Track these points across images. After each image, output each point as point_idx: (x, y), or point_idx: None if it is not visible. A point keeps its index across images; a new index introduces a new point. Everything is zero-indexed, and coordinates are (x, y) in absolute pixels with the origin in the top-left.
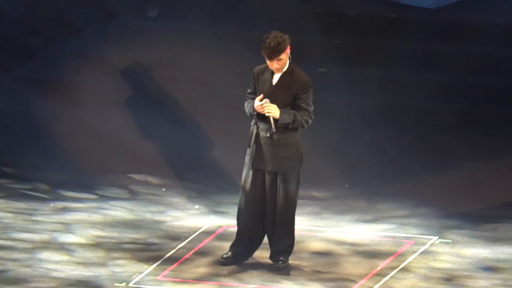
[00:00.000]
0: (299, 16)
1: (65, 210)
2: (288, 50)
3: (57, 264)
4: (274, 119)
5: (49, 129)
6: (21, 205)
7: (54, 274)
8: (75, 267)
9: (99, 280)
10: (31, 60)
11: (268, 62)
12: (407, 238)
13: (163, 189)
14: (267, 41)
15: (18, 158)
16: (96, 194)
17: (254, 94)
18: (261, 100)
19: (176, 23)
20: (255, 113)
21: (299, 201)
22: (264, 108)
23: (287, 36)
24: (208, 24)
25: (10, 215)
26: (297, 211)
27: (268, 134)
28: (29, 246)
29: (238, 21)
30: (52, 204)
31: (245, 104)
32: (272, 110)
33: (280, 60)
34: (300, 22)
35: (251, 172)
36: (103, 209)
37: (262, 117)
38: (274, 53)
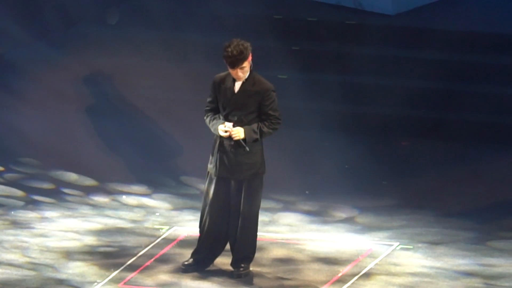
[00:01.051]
0: (259, 23)
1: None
2: (250, 58)
3: (17, 270)
4: (242, 139)
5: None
6: None
7: (14, 278)
8: (35, 273)
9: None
10: None
11: (230, 70)
12: (368, 244)
13: (124, 196)
14: (229, 49)
15: None
16: (56, 198)
17: (214, 103)
18: (224, 127)
19: (136, 30)
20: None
21: (266, 208)
22: (232, 135)
23: (249, 44)
24: (169, 30)
25: None
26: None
27: (232, 143)
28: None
29: (198, 27)
30: (12, 212)
31: (206, 118)
32: (238, 134)
33: (242, 68)
34: (260, 29)
35: (214, 179)
36: (66, 216)
37: (228, 138)
38: (237, 62)
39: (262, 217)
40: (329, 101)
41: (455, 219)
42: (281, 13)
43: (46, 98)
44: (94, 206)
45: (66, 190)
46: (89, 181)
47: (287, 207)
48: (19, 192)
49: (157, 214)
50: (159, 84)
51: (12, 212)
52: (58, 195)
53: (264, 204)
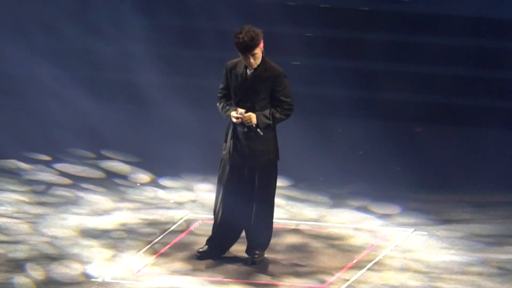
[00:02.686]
0: (272, 10)
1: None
2: (261, 44)
3: (37, 259)
4: (255, 125)
5: None
6: None
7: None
8: (50, 261)
9: (76, 277)
10: None
11: (242, 57)
12: (382, 230)
13: (138, 184)
14: (240, 36)
15: None
16: (77, 186)
17: (226, 89)
18: (237, 113)
19: (147, 16)
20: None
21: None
22: (244, 122)
23: (260, 30)
24: (180, 17)
25: None
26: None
27: (245, 129)
28: None
29: (210, 14)
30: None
31: (218, 104)
32: (250, 120)
33: (254, 55)
34: (273, 15)
35: (228, 166)
36: (80, 201)
37: (240, 124)
38: (248, 48)
39: (279, 204)
40: (342, 87)
41: (470, 205)
42: None
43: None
44: (110, 192)
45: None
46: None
47: (301, 194)
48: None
49: (172, 201)
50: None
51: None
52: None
53: (279, 191)
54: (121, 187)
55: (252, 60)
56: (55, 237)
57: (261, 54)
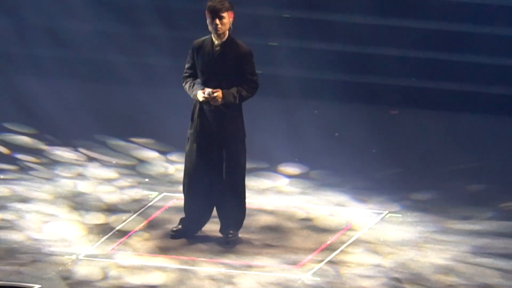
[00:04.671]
0: None
1: (18, 180)
2: (231, 15)
3: (8, 241)
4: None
5: None
6: None
7: (3, 246)
8: (25, 239)
9: (49, 254)
10: None
11: (209, 22)
12: (357, 212)
13: (114, 162)
14: (211, 1)
15: None
16: (43, 165)
17: (193, 68)
18: (203, 92)
19: None
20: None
21: (247, 175)
22: (210, 101)
23: (233, 4)
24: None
25: None
26: (246, 184)
27: (212, 107)
28: None
29: None
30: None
31: (185, 84)
32: (217, 99)
33: (222, 19)
34: None
35: (195, 145)
36: (51, 181)
37: (207, 102)
38: (218, 10)
39: (251, 184)
40: (318, 69)
41: (444, 188)
42: None
43: None
44: (83, 172)
45: (22, 156)
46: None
47: (277, 175)
48: None
49: (147, 180)
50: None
51: None
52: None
53: (252, 171)
54: (96, 164)
55: (219, 25)
56: (28, 212)
57: (228, 25)
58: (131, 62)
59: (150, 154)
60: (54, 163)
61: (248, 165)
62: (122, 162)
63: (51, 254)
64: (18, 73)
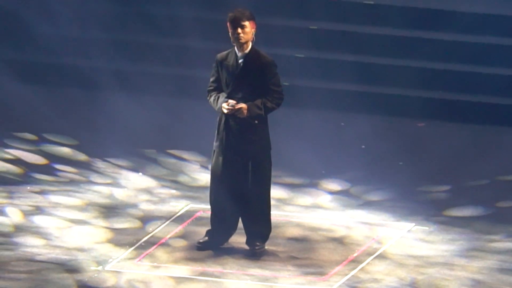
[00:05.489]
0: (277, 2)
1: (42, 193)
2: (253, 25)
3: (34, 248)
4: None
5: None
6: None
7: (32, 257)
8: (51, 250)
9: (75, 264)
10: None
11: (231, 32)
12: (383, 224)
13: (140, 174)
14: (232, 12)
15: None
16: (70, 178)
17: (217, 82)
18: (228, 105)
19: (147, 6)
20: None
21: (273, 187)
22: (235, 113)
23: (253, 15)
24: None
25: None
26: (272, 196)
27: (236, 120)
28: (6, 229)
29: (211, 5)
30: (28, 187)
31: (209, 97)
32: (243, 112)
33: (243, 27)
34: (277, 7)
35: (220, 158)
36: (79, 193)
37: (232, 115)
38: (238, 19)
39: (278, 196)
40: (345, 81)
41: (471, 201)
42: None
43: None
44: (110, 183)
45: (61, 167)
46: (85, 157)
47: (304, 187)
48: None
49: (173, 191)
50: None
51: (17, 194)
52: (53, 171)
53: (280, 184)
54: (121, 175)
55: (241, 34)
56: (55, 223)
57: (251, 35)
58: (167, 74)
59: (180, 165)
60: (90, 172)
61: (280, 179)
62: (152, 172)
63: (77, 264)
64: (66, 85)
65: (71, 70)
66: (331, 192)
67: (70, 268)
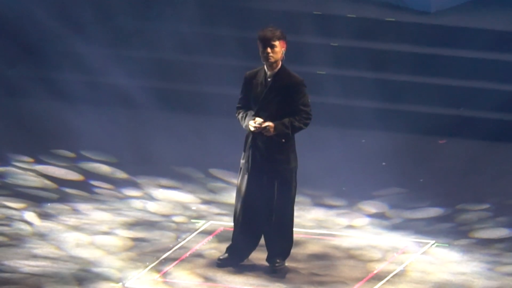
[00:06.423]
0: (298, 19)
1: (60, 207)
2: (283, 44)
3: (52, 261)
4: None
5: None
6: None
7: (49, 270)
8: (71, 265)
9: (94, 280)
10: None
11: (261, 51)
12: (403, 241)
13: (160, 189)
14: (262, 30)
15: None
16: (87, 190)
17: (246, 99)
18: (255, 122)
19: (173, 24)
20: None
21: (296, 203)
22: (263, 131)
23: (284, 34)
24: (206, 25)
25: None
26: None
27: (264, 138)
28: (29, 237)
29: (236, 23)
30: (49, 205)
31: (238, 115)
32: (269, 131)
33: (273, 47)
34: (299, 25)
35: (246, 175)
36: (98, 209)
37: (259, 133)
38: (269, 39)
39: (299, 213)
40: (366, 98)
41: (492, 218)
42: (320, 9)
43: (81, 91)
44: (129, 199)
45: (96, 183)
46: (121, 174)
47: (324, 204)
48: (50, 184)
49: (194, 208)
50: (196, 78)
51: (49, 205)
52: (88, 187)
53: (300, 200)
54: (144, 191)
55: (271, 53)
56: (77, 237)
57: (280, 54)
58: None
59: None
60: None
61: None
62: (170, 183)
63: (98, 281)
64: (105, 103)
65: (111, 88)
66: (351, 209)
67: (88, 284)
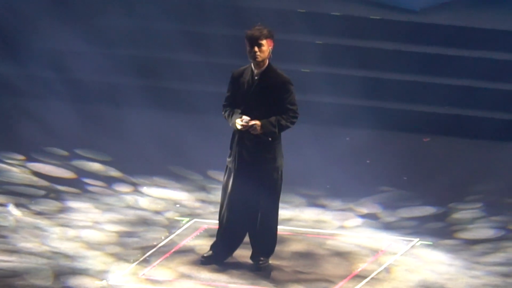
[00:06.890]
0: (283, 17)
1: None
2: (271, 43)
3: (34, 257)
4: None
5: None
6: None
7: (29, 265)
8: (54, 262)
9: (78, 276)
10: None
11: (248, 50)
12: (388, 240)
13: (145, 187)
14: (250, 29)
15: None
16: (78, 188)
17: (232, 98)
18: (242, 121)
19: (161, 22)
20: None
21: (280, 201)
22: (249, 129)
23: (273, 32)
24: (194, 23)
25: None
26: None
27: (251, 136)
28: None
29: (223, 21)
30: (33, 202)
31: (224, 113)
32: (256, 128)
33: (261, 46)
34: (284, 23)
35: (233, 173)
36: (86, 206)
37: (246, 131)
38: (255, 39)
39: (283, 211)
40: (351, 96)
41: (477, 216)
42: (305, 7)
43: (70, 88)
44: (114, 196)
45: (87, 180)
46: (112, 172)
47: (308, 202)
48: (41, 181)
49: (178, 205)
50: (183, 77)
51: (33, 202)
52: (80, 185)
53: (285, 198)
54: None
55: (258, 53)
56: (61, 236)
57: (267, 53)
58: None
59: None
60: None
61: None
62: (162, 182)
63: (82, 280)
64: (98, 102)
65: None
66: (334, 208)
67: (74, 283)
